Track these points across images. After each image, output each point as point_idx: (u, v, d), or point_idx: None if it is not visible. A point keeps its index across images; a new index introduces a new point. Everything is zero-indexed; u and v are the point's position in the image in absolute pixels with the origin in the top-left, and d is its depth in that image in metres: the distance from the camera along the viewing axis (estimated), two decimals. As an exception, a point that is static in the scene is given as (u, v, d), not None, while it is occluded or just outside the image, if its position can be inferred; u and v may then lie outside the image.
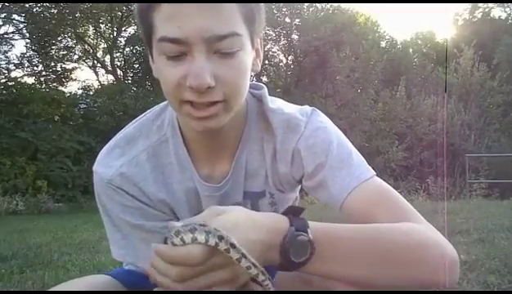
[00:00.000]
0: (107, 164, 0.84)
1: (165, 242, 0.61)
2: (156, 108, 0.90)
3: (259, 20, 0.76)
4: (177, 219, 0.88)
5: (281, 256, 0.64)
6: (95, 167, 0.86)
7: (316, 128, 0.85)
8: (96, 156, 0.87)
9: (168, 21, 0.68)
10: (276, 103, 0.88)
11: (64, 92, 16.88)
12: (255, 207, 0.88)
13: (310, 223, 0.67)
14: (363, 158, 0.86)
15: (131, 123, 0.90)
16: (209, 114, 0.72)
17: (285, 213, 0.68)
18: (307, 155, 0.84)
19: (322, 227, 0.68)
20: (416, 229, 0.74)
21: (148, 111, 0.90)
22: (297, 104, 0.92)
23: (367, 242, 0.70)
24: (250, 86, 0.84)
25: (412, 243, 0.71)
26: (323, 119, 0.88)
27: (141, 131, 0.87)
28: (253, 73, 0.80)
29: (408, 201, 0.83)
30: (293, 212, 0.68)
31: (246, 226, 0.62)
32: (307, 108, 0.89)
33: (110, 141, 0.88)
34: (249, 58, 0.75)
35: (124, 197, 0.83)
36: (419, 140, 16.24)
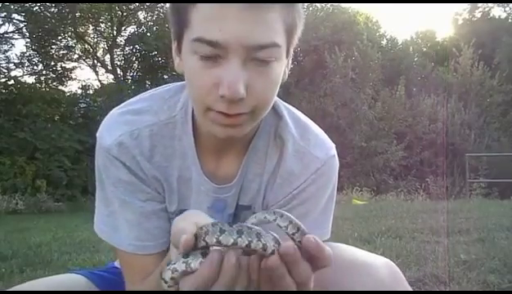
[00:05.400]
0: (108, 132, 0.80)
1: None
2: (172, 86, 0.85)
3: (299, 32, 0.73)
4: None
5: None
6: (98, 133, 0.82)
7: (328, 171, 0.85)
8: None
9: (207, 22, 0.64)
10: (296, 120, 0.85)
11: (64, 92, 16.93)
12: (238, 218, 0.85)
13: None
14: None
15: (142, 94, 0.86)
16: (236, 123, 0.70)
17: None
18: (308, 184, 0.83)
19: None
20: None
21: (163, 86, 0.87)
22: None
23: None
24: None
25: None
26: (337, 166, 0.87)
27: (151, 106, 0.82)
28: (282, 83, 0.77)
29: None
30: None
31: None
32: (329, 145, 0.86)
33: (117, 108, 0.84)
34: (282, 69, 0.72)
35: (120, 169, 0.79)
36: (418, 139, 16.21)
